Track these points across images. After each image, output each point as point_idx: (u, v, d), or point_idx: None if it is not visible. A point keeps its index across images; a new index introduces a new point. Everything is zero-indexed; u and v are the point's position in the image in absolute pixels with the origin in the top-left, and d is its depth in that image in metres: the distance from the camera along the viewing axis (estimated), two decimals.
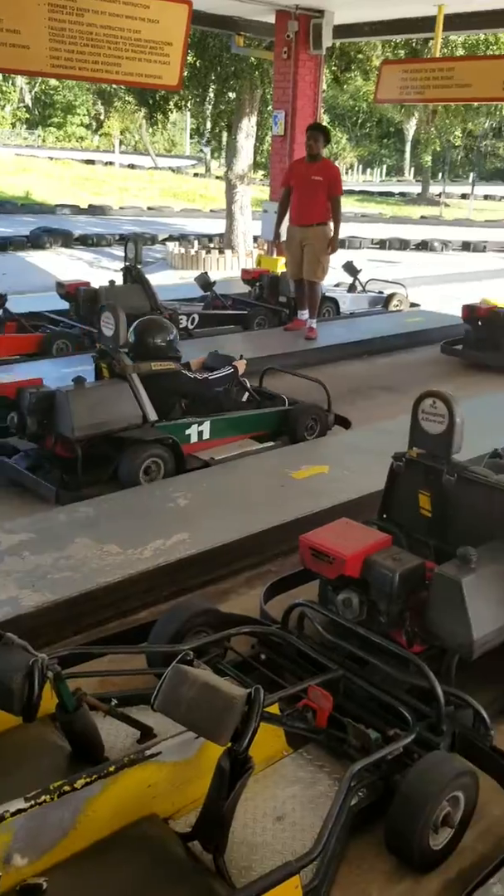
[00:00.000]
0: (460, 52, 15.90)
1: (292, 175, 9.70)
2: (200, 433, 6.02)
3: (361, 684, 3.14)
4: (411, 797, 2.65)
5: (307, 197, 9.40)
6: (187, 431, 5.94)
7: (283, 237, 9.97)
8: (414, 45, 13.69)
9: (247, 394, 6.67)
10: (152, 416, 5.68)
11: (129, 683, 3.29)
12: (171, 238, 19.82)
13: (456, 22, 10.77)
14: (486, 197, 38.64)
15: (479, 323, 9.45)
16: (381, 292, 12.49)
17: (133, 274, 9.28)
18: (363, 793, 2.77)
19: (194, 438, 5.97)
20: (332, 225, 9.52)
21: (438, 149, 38.22)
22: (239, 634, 3.35)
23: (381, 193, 39.23)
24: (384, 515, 4.17)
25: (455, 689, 3.10)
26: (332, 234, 9.53)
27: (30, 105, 53.77)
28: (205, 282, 10.71)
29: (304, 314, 9.93)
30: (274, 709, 2.90)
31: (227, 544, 4.55)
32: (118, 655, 3.46)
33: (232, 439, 6.25)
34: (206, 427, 6.04)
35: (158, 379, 5.83)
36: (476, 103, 22.33)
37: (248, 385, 6.69)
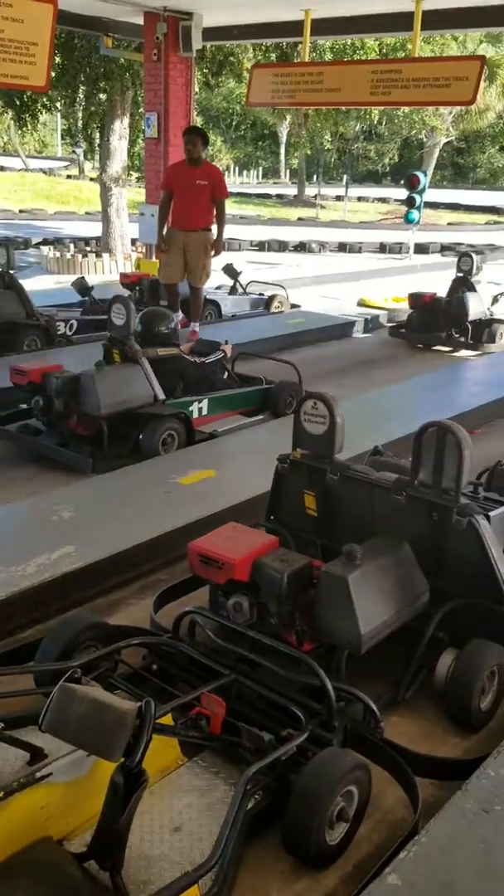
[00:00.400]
0: (328, 56, 16.23)
1: (174, 179, 9.46)
2: (200, 409, 6.88)
3: (254, 687, 3.16)
4: (305, 795, 2.68)
5: (191, 201, 9.26)
6: (190, 408, 6.73)
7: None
8: (284, 48, 13.87)
9: (226, 375, 7.54)
10: (161, 395, 6.42)
11: (17, 704, 3.19)
12: (45, 241, 19.38)
13: (323, 27, 10.97)
14: (359, 199, 39.63)
15: (421, 309, 11.09)
16: (261, 294, 12.60)
17: (6, 280, 9.01)
18: (259, 795, 2.79)
19: (195, 414, 6.76)
20: (215, 228, 9.49)
21: (310, 152, 38.91)
22: (129, 647, 3.31)
23: (258, 195, 39.62)
24: (271, 517, 4.21)
25: (345, 685, 3.16)
26: (215, 237, 9.51)
27: None
28: (82, 286, 10.54)
29: (179, 314, 9.75)
30: (167, 719, 2.88)
31: (115, 555, 4.48)
32: (5, 676, 3.36)
33: (224, 415, 7.05)
34: (204, 404, 6.91)
35: (163, 363, 6.62)
36: (345, 107, 22.82)
37: (229, 368, 7.65)
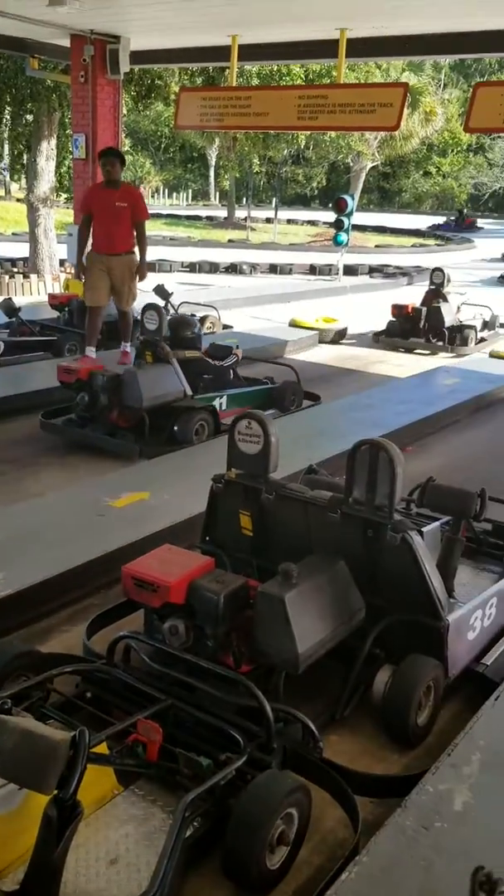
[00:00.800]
0: (255, 81, 16.43)
1: (92, 202, 9.27)
2: (221, 404, 7.71)
3: (191, 711, 3.11)
4: (245, 820, 2.64)
5: (112, 224, 9.10)
6: (213, 403, 7.56)
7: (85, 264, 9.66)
8: (210, 72, 13.99)
9: (233, 375, 8.40)
10: (189, 391, 7.30)
11: None
12: None
13: (250, 52, 11.10)
14: (289, 221, 40.15)
15: (401, 319, 13.12)
16: (193, 315, 12.57)
17: None
18: (198, 822, 2.73)
19: (218, 409, 7.50)
20: (138, 251, 9.40)
21: (239, 175, 39.26)
22: (61, 675, 3.23)
23: (188, 217, 39.80)
24: (207, 538, 4.18)
25: (283, 706, 3.14)
26: (139, 260, 9.42)
27: None
28: (9, 307, 10.35)
29: (91, 349, 9.52)
30: (102, 748, 2.80)
31: (45, 581, 4.38)
32: None
33: (238, 410, 7.24)
34: (224, 400, 7.86)
35: (188, 363, 7.56)
36: (273, 131, 23.11)
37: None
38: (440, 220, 43.91)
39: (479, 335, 13.10)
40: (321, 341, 12.83)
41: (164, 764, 2.91)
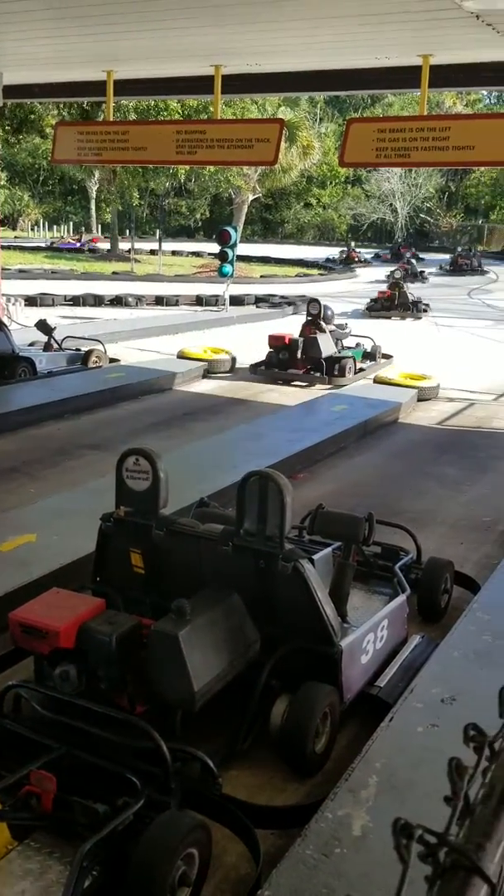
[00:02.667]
0: (133, 116, 16.54)
1: None
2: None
3: (86, 758, 3.04)
4: (144, 864, 2.60)
5: None
6: None
7: None
8: (85, 106, 13.98)
9: None
10: None
11: None
12: None
13: (126, 87, 11.16)
14: (173, 253, 40.31)
15: (383, 300, 17.29)
16: (78, 349, 12.46)
17: None
18: (97, 871, 2.67)
19: None
20: None
21: (121, 207, 39.28)
22: None
23: (70, 250, 39.38)
24: (97, 578, 4.12)
25: (180, 745, 3.11)
26: None
27: None
28: None
29: None
30: None
31: None
32: None
33: None
34: None
35: None
36: (152, 165, 23.25)
37: None
38: (332, 251, 45.01)
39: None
40: (211, 372, 12.89)
41: (60, 814, 2.84)
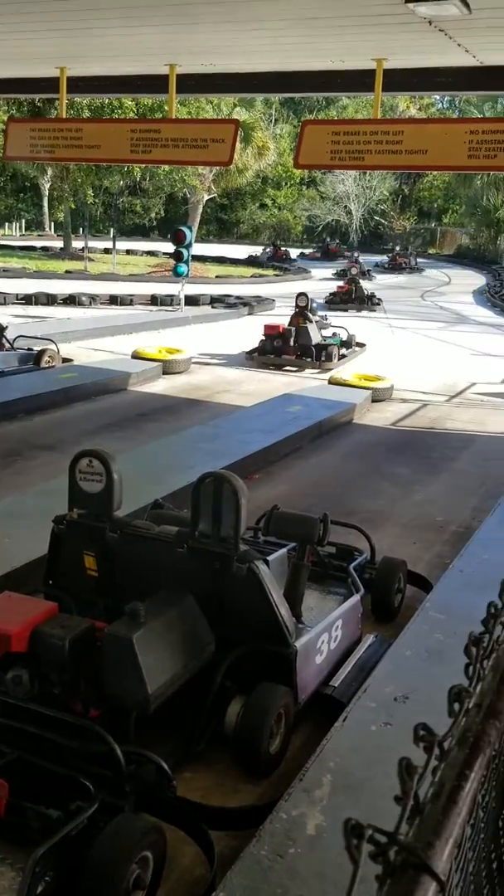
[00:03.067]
0: (87, 114, 16.41)
1: None
2: None
3: (38, 762, 3.01)
4: (98, 868, 2.59)
5: None
6: None
7: None
8: (37, 103, 13.84)
9: None
10: None
11: None
12: None
13: (80, 85, 11.06)
14: (128, 252, 40.06)
15: (342, 294, 20.32)
16: (30, 349, 12.32)
17: None
18: (50, 876, 2.64)
19: None
20: None
21: (74, 206, 38.92)
22: None
23: (22, 248, 38.89)
24: (50, 581, 4.08)
25: (134, 747, 3.10)
26: None
27: None
28: None
29: None
30: None
31: None
32: None
33: None
34: None
35: None
36: (106, 164, 23.09)
37: None
38: (257, 250, 44.87)
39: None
40: (167, 372, 12.85)
41: (12, 819, 2.81)
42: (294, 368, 14.15)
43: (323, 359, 14.22)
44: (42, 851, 2.54)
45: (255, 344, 14.69)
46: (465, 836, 1.30)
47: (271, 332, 14.57)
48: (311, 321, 14.65)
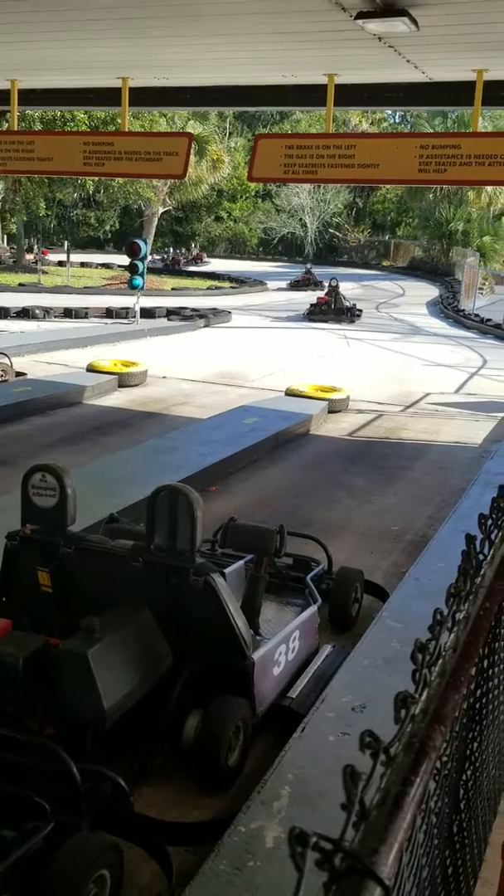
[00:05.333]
0: (38, 126, 16.34)
1: None
2: None
3: None
4: (55, 889, 2.55)
5: None
6: None
7: None
8: None
9: None
10: None
11: None
12: None
13: (32, 97, 11.02)
14: (82, 264, 39.85)
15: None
16: None
17: None
18: None
19: None
20: None
21: (26, 218, 38.65)
22: None
23: None
24: (3, 599, 4.02)
25: (90, 765, 3.06)
26: None
27: None
28: None
29: None
30: None
31: None
32: None
33: None
34: None
35: None
36: (59, 176, 22.99)
37: None
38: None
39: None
40: (123, 385, 12.78)
41: None
42: (335, 324, 23.44)
43: (351, 319, 24.21)
44: None
45: (212, 356, 14.70)
46: (416, 841, 1.31)
47: (320, 302, 24.89)
48: (340, 295, 24.83)
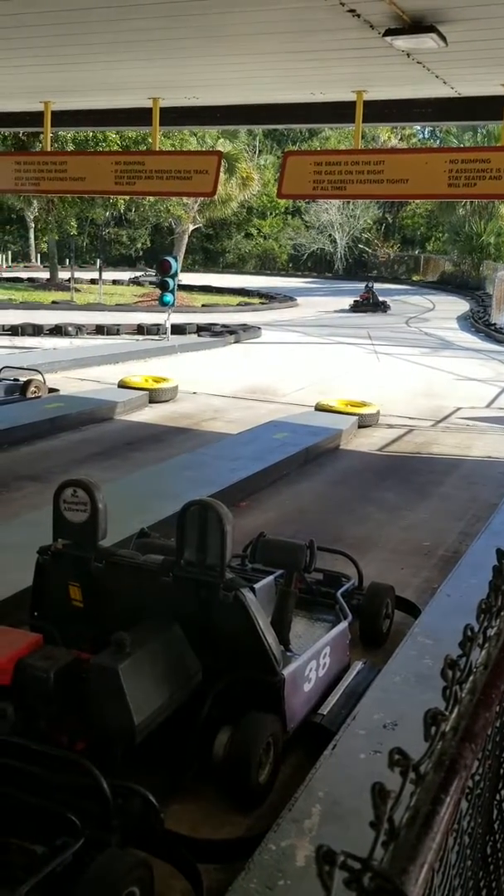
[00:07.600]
0: (71, 146, 16.56)
1: None
2: None
3: (23, 798, 2.97)
4: None
5: None
6: None
7: None
8: (21, 136, 13.97)
9: None
10: None
11: None
12: None
13: (64, 119, 11.18)
14: (114, 282, 40.23)
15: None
16: (16, 379, 12.32)
17: None
18: None
19: None
20: None
21: (59, 237, 39.12)
22: None
23: (8, 279, 39.00)
24: (35, 613, 4.05)
25: (121, 780, 3.06)
26: None
27: None
28: None
29: None
30: None
31: None
32: None
33: None
34: None
35: None
36: (91, 196, 23.27)
37: None
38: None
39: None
40: (154, 401, 12.86)
41: None
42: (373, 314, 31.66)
43: (384, 309, 32.92)
44: (26, 889, 2.50)
45: (242, 372, 14.69)
46: (448, 862, 1.29)
47: (362, 298, 33.53)
48: (375, 293, 33.56)
